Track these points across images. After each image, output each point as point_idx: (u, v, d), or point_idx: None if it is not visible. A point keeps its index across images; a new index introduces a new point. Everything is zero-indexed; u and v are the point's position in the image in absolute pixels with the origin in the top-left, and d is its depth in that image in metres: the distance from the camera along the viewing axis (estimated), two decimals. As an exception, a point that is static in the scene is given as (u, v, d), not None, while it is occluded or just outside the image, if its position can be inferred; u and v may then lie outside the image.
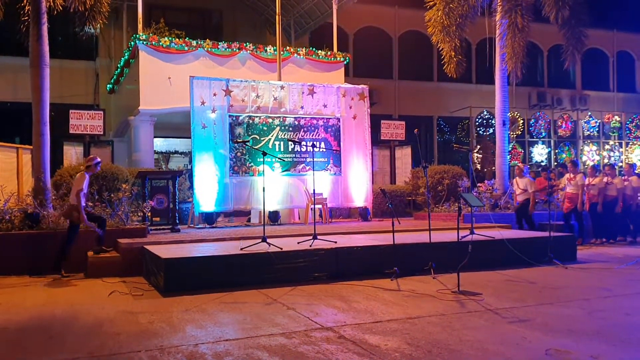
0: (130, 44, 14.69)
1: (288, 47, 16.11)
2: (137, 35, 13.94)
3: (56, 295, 7.12)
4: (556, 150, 24.60)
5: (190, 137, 11.54)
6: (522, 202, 11.95)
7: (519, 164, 14.47)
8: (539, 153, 24.14)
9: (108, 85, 18.54)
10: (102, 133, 14.43)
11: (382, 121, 17.26)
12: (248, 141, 11.01)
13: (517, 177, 12.26)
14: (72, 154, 14.38)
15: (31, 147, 10.82)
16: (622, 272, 8.35)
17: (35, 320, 5.69)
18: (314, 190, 9.56)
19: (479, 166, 22.50)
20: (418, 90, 23.71)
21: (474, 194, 11.27)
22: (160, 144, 19.02)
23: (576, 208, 12.00)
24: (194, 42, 14.37)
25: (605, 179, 12.35)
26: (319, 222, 11.50)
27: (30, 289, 7.56)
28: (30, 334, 5.15)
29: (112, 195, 10.13)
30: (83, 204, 8.38)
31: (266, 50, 15.15)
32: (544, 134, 24.27)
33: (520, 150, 23.49)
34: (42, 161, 10.33)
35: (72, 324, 5.46)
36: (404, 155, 17.88)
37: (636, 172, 13.12)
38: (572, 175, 12.18)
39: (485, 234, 9.32)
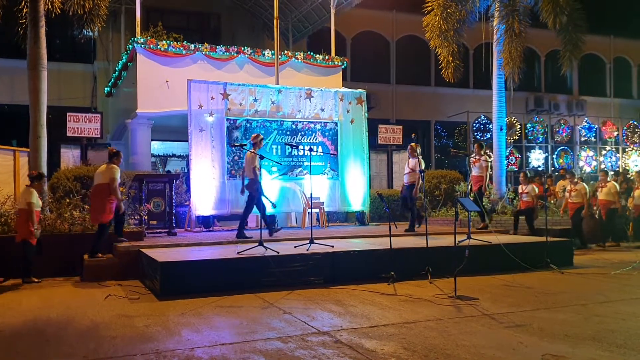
0: (128, 47, 14.69)
1: (286, 51, 16.13)
2: (135, 39, 13.94)
3: (52, 298, 7.09)
4: (553, 156, 24.63)
5: (187, 141, 11.53)
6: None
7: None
8: (536, 158, 24.18)
9: (106, 88, 18.53)
10: (99, 136, 14.41)
11: (379, 125, 17.28)
12: (245, 145, 10.99)
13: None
14: (69, 156, 14.35)
15: (28, 149, 10.81)
16: (619, 277, 8.36)
17: (30, 323, 5.67)
18: (311, 194, 9.57)
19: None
20: (415, 95, 23.76)
21: (471, 198, 11.27)
22: (157, 147, 19.02)
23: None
24: (191, 46, 14.38)
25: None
26: (316, 226, 11.48)
27: (26, 292, 7.54)
28: (25, 338, 5.13)
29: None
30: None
31: (264, 54, 15.16)
32: (541, 139, 24.31)
33: (517, 155, 23.52)
34: (39, 164, 10.32)
35: (67, 327, 5.44)
36: (401, 160, 17.89)
37: None
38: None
39: (482, 238, 9.32)
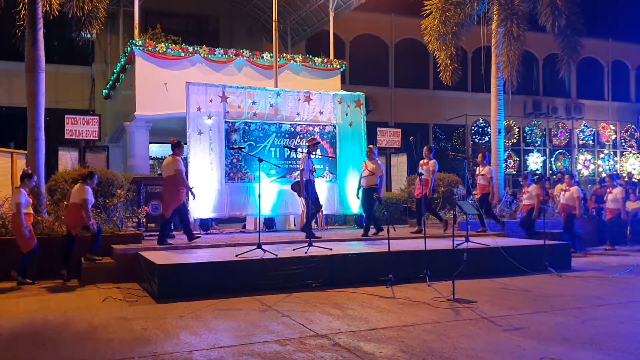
0: (127, 50, 14.68)
1: (284, 54, 16.12)
2: (134, 41, 13.93)
3: (49, 301, 7.08)
4: (551, 159, 24.66)
5: (185, 143, 11.52)
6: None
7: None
8: (534, 161, 24.20)
9: (104, 91, 18.52)
10: (97, 138, 14.38)
11: (378, 128, 17.28)
12: (244, 147, 10.98)
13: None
14: (67, 159, 14.33)
15: (26, 152, 10.79)
16: (617, 280, 8.37)
17: (27, 326, 5.65)
18: (309, 196, 9.55)
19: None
20: (414, 98, 23.77)
21: (469, 201, 11.26)
22: (155, 149, 18.98)
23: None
24: (190, 48, 14.37)
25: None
26: (314, 229, 11.46)
27: (24, 295, 7.52)
28: (22, 340, 5.12)
29: (107, 200, 10.10)
30: None
31: (263, 57, 15.17)
32: (539, 142, 24.35)
33: (515, 158, 23.55)
34: (37, 166, 10.30)
35: (65, 330, 5.43)
36: (399, 163, 17.91)
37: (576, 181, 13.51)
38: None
39: (481, 241, 9.33)
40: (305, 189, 9.92)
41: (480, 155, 11.86)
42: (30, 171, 8.91)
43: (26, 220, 8.20)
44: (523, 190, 12.61)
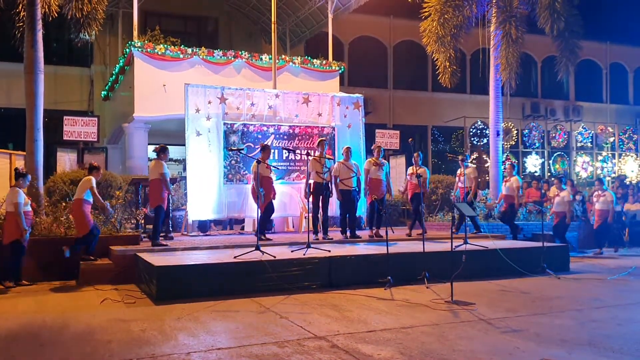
0: (126, 51, 14.68)
1: (283, 56, 16.14)
2: (133, 42, 13.93)
3: (47, 302, 7.07)
4: (550, 161, 24.69)
5: (184, 145, 11.51)
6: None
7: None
8: (533, 164, 24.24)
9: (103, 92, 18.51)
10: (96, 140, 14.38)
11: (376, 130, 17.30)
12: (243, 149, 10.97)
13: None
14: (66, 160, 14.32)
15: (24, 153, 10.78)
16: (615, 282, 8.38)
17: (25, 327, 5.64)
18: (308, 198, 9.54)
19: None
20: (413, 100, 23.79)
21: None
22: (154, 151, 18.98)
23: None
24: (189, 50, 14.37)
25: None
26: (313, 231, 11.45)
27: (22, 296, 7.51)
28: (20, 342, 5.11)
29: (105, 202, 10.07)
30: None
31: (261, 59, 15.17)
32: (537, 144, 24.38)
33: (514, 160, 23.58)
34: (36, 167, 10.30)
35: (63, 331, 5.42)
36: (398, 165, 17.90)
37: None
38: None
39: (479, 243, 9.33)
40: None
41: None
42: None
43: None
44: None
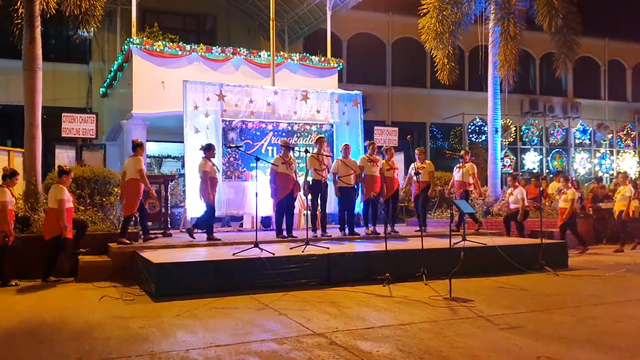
0: (124, 48, 14.64)
1: (282, 53, 16.10)
2: (131, 39, 13.89)
3: (46, 299, 7.07)
4: (548, 158, 24.71)
5: (183, 142, 11.49)
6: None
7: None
8: (531, 160, 24.25)
9: (101, 89, 18.47)
10: (94, 137, 14.33)
11: (375, 127, 17.26)
12: (241, 146, 10.95)
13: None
14: (64, 157, 14.28)
15: (23, 150, 10.76)
16: (613, 279, 8.39)
17: (24, 324, 5.64)
18: (306, 195, 9.54)
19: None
20: (411, 97, 23.77)
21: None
22: (153, 148, 18.94)
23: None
24: (187, 47, 14.33)
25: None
26: (312, 228, 11.46)
27: (20, 293, 7.50)
28: (19, 339, 5.11)
29: (103, 199, 10.08)
30: None
31: (260, 56, 15.14)
32: (535, 141, 24.39)
33: (512, 157, 23.59)
34: (34, 164, 10.28)
35: (61, 328, 5.42)
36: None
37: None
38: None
39: (477, 240, 9.34)
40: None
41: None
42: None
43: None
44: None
